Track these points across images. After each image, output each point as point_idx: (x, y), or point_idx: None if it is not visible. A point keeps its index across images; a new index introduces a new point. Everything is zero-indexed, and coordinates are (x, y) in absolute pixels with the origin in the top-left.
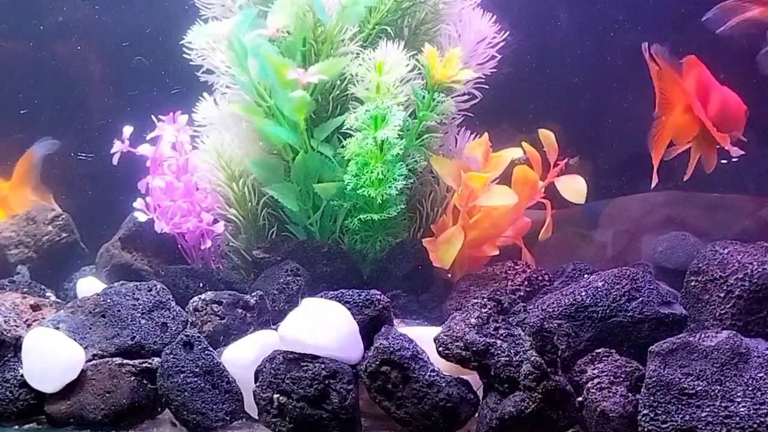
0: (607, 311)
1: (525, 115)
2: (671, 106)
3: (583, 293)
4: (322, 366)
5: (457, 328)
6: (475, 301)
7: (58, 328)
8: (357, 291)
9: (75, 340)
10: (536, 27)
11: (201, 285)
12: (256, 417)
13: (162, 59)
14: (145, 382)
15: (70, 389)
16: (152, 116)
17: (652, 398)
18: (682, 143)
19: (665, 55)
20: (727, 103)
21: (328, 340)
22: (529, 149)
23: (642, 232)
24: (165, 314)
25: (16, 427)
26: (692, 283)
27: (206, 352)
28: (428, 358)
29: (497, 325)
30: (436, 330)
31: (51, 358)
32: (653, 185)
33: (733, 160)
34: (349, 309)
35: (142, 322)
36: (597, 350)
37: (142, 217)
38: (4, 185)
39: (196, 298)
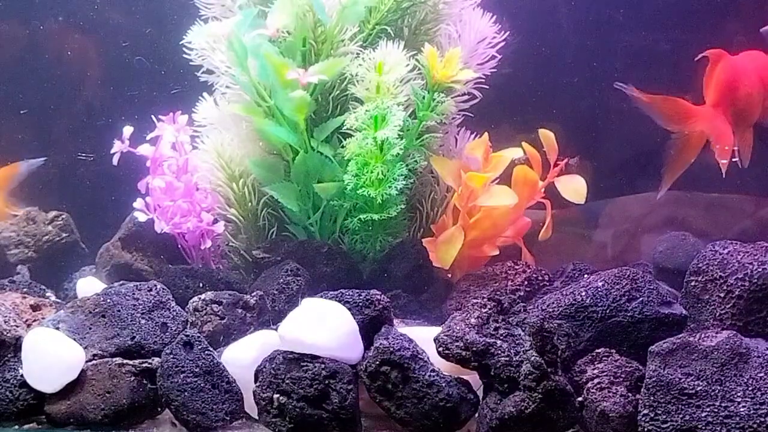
0: (607, 311)
1: (525, 115)
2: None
3: (583, 293)
4: (322, 366)
5: (457, 328)
6: (475, 301)
7: (58, 328)
8: (357, 291)
9: (75, 340)
10: (536, 27)
11: (201, 285)
12: (256, 417)
13: (162, 59)
14: (145, 382)
15: (70, 389)
16: (152, 116)
17: (652, 398)
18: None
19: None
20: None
21: (328, 340)
22: (529, 149)
23: (642, 232)
24: (165, 314)
25: (16, 427)
26: (692, 283)
27: (206, 352)
28: (428, 358)
29: (497, 325)
30: (436, 330)
31: (51, 358)
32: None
33: (734, 160)
34: (349, 309)
35: (142, 322)
36: (597, 350)
37: (142, 217)
38: None
39: (196, 298)
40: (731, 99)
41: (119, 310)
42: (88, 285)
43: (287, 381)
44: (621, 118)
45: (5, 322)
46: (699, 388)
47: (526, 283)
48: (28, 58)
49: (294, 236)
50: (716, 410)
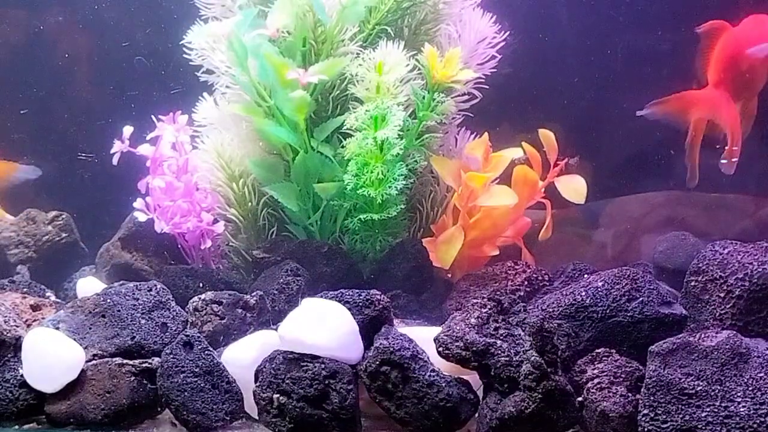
0: (607, 311)
1: (525, 115)
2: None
3: (583, 293)
4: (322, 366)
5: (457, 328)
6: (475, 301)
7: (58, 328)
8: (357, 291)
9: (75, 340)
10: (536, 27)
11: (201, 285)
12: (256, 417)
13: (162, 59)
14: (145, 382)
15: (70, 389)
16: (152, 116)
17: (652, 398)
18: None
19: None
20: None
21: (328, 340)
22: (529, 149)
23: (642, 232)
24: (165, 314)
25: (16, 427)
26: (692, 283)
27: (206, 352)
28: (428, 358)
29: (497, 325)
30: (436, 330)
31: (51, 358)
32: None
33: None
34: (349, 309)
35: (142, 322)
36: (597, 350)
37: (142, 217)
38: None
39: (196, 298)
40: (733, 75)
41: (119, 310)
42: (88, 285)
43: (287, 381)
44: (621, 118)
45: (5, 322)
46: (699, 388)
47: (526, 283)
48: (28, 57)
49: (294, 236)
50: (716, 410)
